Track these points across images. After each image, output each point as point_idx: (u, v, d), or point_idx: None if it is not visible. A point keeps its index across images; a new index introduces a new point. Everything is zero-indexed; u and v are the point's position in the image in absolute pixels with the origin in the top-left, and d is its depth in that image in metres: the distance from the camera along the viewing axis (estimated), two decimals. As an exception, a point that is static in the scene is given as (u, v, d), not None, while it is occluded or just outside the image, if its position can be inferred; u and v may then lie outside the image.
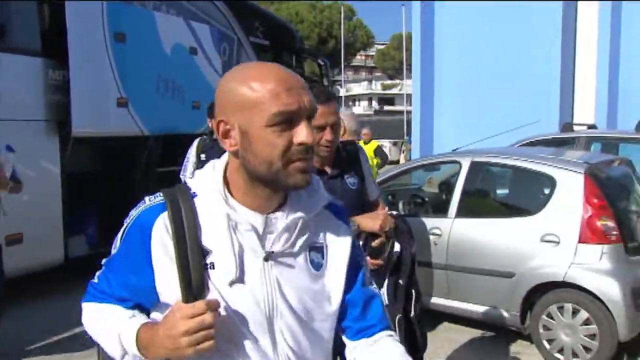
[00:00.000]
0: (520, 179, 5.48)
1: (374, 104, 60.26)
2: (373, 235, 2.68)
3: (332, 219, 1.35)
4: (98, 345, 1.35)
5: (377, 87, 62.77)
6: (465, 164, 5.27)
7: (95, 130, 6.74)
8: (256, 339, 1.22)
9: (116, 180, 7.43)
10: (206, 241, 1.21)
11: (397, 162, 22.92)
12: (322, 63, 11.17)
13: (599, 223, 4.43)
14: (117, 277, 1.28)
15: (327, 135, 2.52)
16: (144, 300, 1.29)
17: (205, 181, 1.26)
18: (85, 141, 6.68)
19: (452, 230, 5.05)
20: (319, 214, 1.30)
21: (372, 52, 63.84)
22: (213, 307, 1.13)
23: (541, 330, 4.63)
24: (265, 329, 1.22)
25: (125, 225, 1.27)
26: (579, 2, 13.79)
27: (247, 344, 1.22)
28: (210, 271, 1.20)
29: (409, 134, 21.89)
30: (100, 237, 7.12)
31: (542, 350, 4.66)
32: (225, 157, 1.28)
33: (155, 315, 1.29)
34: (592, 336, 4.41)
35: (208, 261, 1.20)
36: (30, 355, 4.84)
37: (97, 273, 1.35)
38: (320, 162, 2.63)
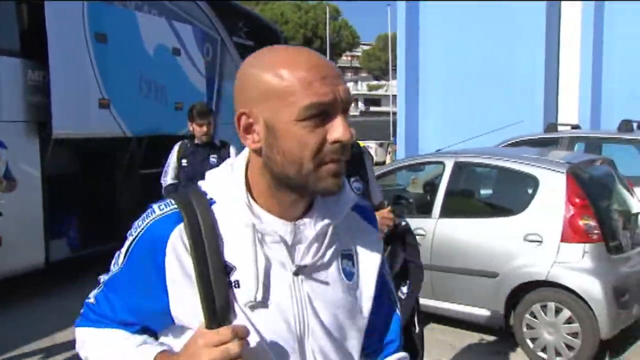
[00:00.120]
0: (504, 179, 5.51)
1: (360, 105, 60.31)
2: None
3: (360, 222, 1.21)
4: None
5: (363, 88, 62.92)
6: (449, 165, 5.29)
7: (76, 132, 6.67)
8: None
9: (98, 182, 7.37)
10: (229, 256, 1.06)
11: (383, 163, 22.95)
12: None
13: (580, 222, 4.46)
14: (122, 300, 1.11)
15: None
16: (152, 323, 1.13)
17: (224, 185, 1.09)
18: (66, 143, 6.61)
19: (436, 231, 5.06)
20: (346, 217, 1.15)
21: (357, 52, 63.92)
22: (241, 335, 0.98)
23: (524, 329, 4.65)
24: (295, 350, 1.08)
25: (131, 238, 1.10)
26: (562, 2, 13.88)
27: None
28: (235, 290, 1.05)
29: (394, 135, 21.91)
30: (81, 240, 7.05)
31: (525, 349, 4.67)
32: (245, 153, 1.12)
33: (165, 339, 1.13)
34: (574, 334, 4.43)
35: (232, 279, 1.05)
36: (9, 360, 4.78)
37: (94, 292, 1.17)
38: None
